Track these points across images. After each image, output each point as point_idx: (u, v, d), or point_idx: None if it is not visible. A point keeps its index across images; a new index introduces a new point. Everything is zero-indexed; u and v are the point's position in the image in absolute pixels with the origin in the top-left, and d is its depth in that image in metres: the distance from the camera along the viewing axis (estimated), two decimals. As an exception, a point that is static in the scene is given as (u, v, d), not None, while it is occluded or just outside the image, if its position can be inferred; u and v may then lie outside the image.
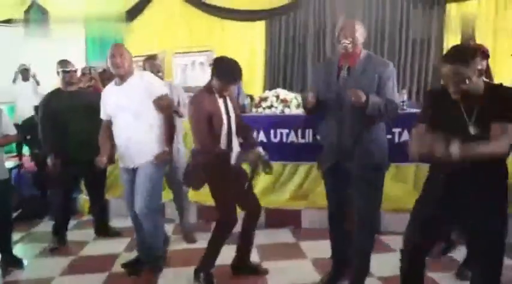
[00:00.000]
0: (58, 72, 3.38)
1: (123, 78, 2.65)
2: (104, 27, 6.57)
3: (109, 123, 2.76)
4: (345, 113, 2.26)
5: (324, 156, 2.45)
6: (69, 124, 3.27)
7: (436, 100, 1.90)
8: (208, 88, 2.58)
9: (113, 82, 2.77)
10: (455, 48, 1.78)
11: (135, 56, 4.89)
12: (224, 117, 2.57)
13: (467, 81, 1.69)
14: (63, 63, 3.41)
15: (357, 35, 2.24)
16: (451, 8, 5.48)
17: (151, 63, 3.38)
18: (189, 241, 3.43)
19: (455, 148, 1.60)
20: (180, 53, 6.33)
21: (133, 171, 2.68)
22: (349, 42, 2.23)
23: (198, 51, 6.16)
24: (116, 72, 2.64)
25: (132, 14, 6.69)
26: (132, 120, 2.61)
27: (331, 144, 2.37)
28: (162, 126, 2.67)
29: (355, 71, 2.27)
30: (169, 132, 2.69)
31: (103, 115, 2.80)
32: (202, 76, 5.96)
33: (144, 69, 3.30)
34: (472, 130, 1.75)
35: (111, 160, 2.98)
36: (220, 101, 2.59)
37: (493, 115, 1.71)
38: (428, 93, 2.17)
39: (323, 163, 2.47)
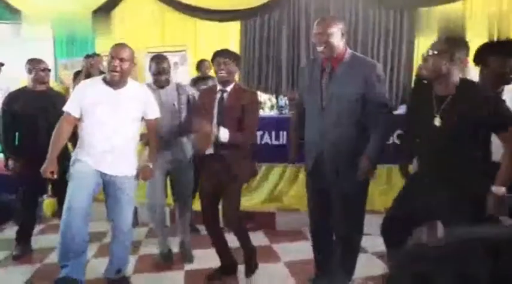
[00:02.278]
0: (30, 70, 3.24)
1: (119, 83, 2.48)
2: (73, 26, 6.37)
3: (76, 121, 2.51)
4: (327, 116, 2.20)
5: (306, 158, 2.41)
6: (37, 124, 3.15)
7: (414, 92, 2.03)
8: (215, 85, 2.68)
9: (99, 79, 2.55)
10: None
11: (106, 55, 4.80)
12: (214, 111, 2.54)
13: (443, 70, 1.75)
14: (36, 61, 3.27)
15: (333, 38, 2.12)
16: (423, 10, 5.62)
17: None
18: (188, 261, 3.06)
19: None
20: (152, 52, 6.19)
21: (97, 173, 2.52)
22: (323, 47, 2.14)
23: (172, 51, 6.06)
24: (114, 78, 2.42)
25: (103, 11, 6.52)
26: (121, 128, 2.49)
27: (311, 146, 2.32)
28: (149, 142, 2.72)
29: (338, 73, 2.18)
30: (155, 151, 2.70)
31: (73, 110, 2.48)
32: (175, 75, 5.90)
33: (150, 68, 2.99)
34: (436, 121, 1.79)
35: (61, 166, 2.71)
36: (218, 96, 2.55)
37: (461, 110, 1.75)
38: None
39: (306, 165, 2.44)
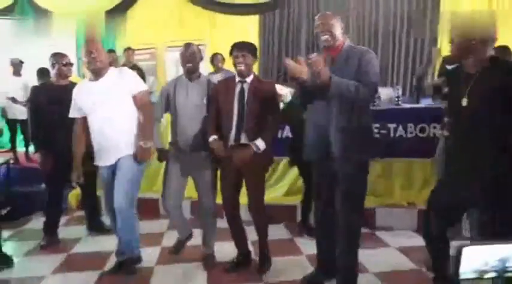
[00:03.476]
0: (53, 64, 3.29)
1: (99, 74, 2.60)
2: (95, 22, 6.45)
3: (84, 121, 2.70)
4: (329, 104, 2.26)
5: (308, 147, 2.43)
6: (59, 118, 3.12)
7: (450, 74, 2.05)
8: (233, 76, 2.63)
9: (85, 79, 2.71)
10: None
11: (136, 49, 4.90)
12: (234, 104, 2.53)
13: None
14: (59, 55, 3.32)
15: (334, 29, 2.27)
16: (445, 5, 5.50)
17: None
18: (209, 267, 2.88)
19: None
20: (172, 46, 6.25)
21: (110, 168, 2.63)
22: (328, 36, 2.27)
23: (191, 45, 6.09)
24: (92, 67, 2.57)
25: (123, 8, 6.59)
26: (110, 116, 2.56)
27: (315, 136, 2.36)
28: (141, 122, 2.62)
29: (337, 61, 2.28)
30: (148, 128, 2.61)
31: (75, 113, 2.71)
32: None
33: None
34: (464, 102, 1.78)
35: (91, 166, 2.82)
36: (238, 88, 2.55)
37: (487, 87, 1.72)
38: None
39: (307, 154, 2.44)
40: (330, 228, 2.45)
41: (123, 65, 4.91)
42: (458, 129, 1.90)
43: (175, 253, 2.96)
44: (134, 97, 2.60)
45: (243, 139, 2.53)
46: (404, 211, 3.48)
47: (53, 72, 3.34)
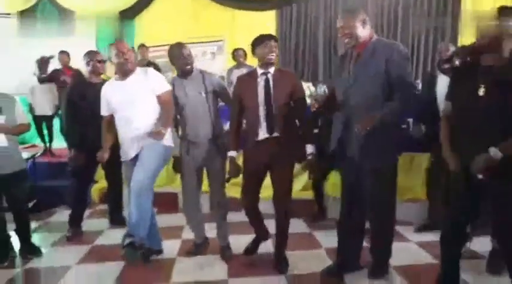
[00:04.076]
0: (88, 62, 3.38)
1: (126, 74, 2.68)
2: (114, 22, 6.57)
3: (111, 118, 2.80)
4: (352, 95, 2.30)
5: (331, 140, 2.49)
6: (94, 116, 3.10)
7: (459, 71, 2.15)
8: (253, 69, 2.65)
9: (112, 79, 2.80)
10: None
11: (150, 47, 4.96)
12: (259, 96, 2.54)
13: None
14: (92, 53, 3.41)
15: (355, 30, 2.28)
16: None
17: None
18: (227, 259, 2.92)
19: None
20: (189, 43, 6.30)
21: (134, 161, 2.67)
22: (348, 39, 2.30)
23: (209, 41, 6.14)
24: (125, 68, 2.66)
25: (141, 5, 6.69)
26: (137, 114, 2.63)
27: (336, 127, 2.43)
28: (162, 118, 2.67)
29: (363, 56, 2.31)
30: (166, 119, 2.64)
31: (104, 112, 2.83)
32: (213, 66, 5.98)
33: (171, 60, 2.83)
34: (481, 91, 1.87)
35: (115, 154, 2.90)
36: (261, 79, 2.56)
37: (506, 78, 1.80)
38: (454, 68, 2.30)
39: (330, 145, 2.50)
40: (354, 226, 2.50)
41: (138, 62, 4.99)
42: (472, 118, 1.94)
43: (192, 255, 3.01)
44: (158, 97, 2.66)
45: (276, 131, 2.54)
46: (424, 205, 3.45)
47: (87, 70, 3.43)
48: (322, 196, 3.71)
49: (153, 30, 6.38)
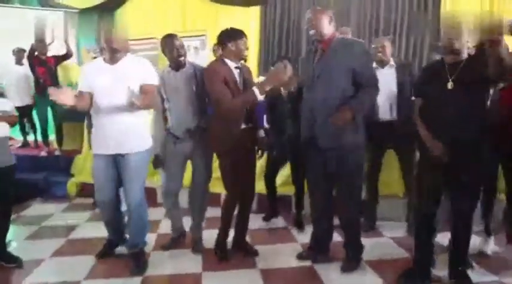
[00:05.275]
0: (102, 50, 3.01)
1: (115, 56, 2.50)
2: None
3: (91, 95, 2.54)
4: (316, 90, 2.45)
5: (301, 131, 2.61)
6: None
7: (427, 70, 2.44)
8: (221, 60, 2.59)
9: (100, 59, 2.61)
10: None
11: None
12: (241, 87, 2.58)
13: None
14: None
15: (321, 24, 2.40)
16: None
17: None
18: (197, 252, 2.93)
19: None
20: (173, 37, 6.26)
21: (113, 158, 2.56)
22: (315, 32, 2.42)
23: (192, 36, 6.10)
24: (109, 47, 2.48)
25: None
26: (121, 103, 2.44)
27: (305, 119, 2.54)
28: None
29: (327, 53, 2.43)
30: (145, 102, 2.45)
31: (84, 88, 2.54)
32: (196, 61, 5.92)
33: (163, 51, 2.75)
34: (449, 85, 2.16)
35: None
36: (236, 72, 2.59)
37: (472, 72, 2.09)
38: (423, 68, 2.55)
39: (302, 137, 2.61)
40: (324, 205, 2.64)
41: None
42: (442, 111, 2.19)
43: (167, 249, 3.00)
44: (143, 87, 2.49)
45: (250, 122, 2.67)
46: (402, 202, 3.48)
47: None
48: (275, 193, 3.59)
49: (134, 24, 6.29)
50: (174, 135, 2.79)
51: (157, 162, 2.86)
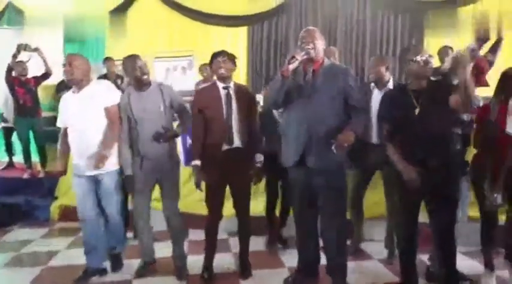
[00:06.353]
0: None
1: (79, 86, 2.67)
2: (83, 28, 6.46)
3: (66, 131, 2.77)
4: (310, 110, 2.38)
5: (287, 153, 2.51)
6: None
7: (392, 96, 2.46)
8: (214, 82, 2.73)
9: (70, 91, 2.77)
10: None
11: (117, 60, 4.87)
12: (223, 108, 2.61)
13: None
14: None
15: (317, 42, 2.40)
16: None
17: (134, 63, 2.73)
18: (181, 279, 2.83)
19: None
20: (160, 57, 6.26)
21: (88, 178, 2.70)
22: (311, 47, 2.37)
23: (180, 56, 6.11)
24: (67, 79, 2.70)
25: (113, 15, 6.61)
26: (89, 127, 2.63)
27: (296, 139, 2.44)
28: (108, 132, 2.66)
29: (318, 75, 2.41)
30: (110, 139, 2.64)
31: (61, 123, 2.80)
32: (184, 81, 5.94)
33: (125, 70, 2.78)
34: (416, 111, 2.23)
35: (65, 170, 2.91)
36: (223, 93, 2.63)
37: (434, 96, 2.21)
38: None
39: (286, 160, 2.52)
40: (310, 228, 2.58)
41: (105, 76, 4.88)
42: (412, 136, 2.25)
43: (139, 277, 2.86)
44: (106, 110, 2.65)
45: (236, 142, 2.64)
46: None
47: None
48: (273, 223, 3.40)
49: (122, 43, 6.29)
50: (142, 158, 2.72)
51: (129, 182, 2.73)
